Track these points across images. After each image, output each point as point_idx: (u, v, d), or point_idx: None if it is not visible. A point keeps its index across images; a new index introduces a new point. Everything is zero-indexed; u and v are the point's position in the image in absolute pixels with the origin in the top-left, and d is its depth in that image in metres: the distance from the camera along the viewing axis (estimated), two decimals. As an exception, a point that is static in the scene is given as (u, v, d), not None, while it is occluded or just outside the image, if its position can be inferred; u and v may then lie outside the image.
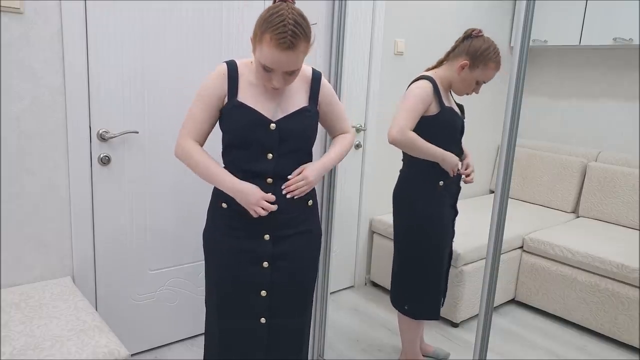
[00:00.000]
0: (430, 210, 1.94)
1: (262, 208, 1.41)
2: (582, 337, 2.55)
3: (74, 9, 1.74)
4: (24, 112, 1.71)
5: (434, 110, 1.85)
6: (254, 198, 1.40)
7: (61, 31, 1.73)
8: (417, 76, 1.91)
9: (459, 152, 1.95)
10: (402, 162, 2.01)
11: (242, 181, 1.43)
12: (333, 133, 1.65)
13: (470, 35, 1.86)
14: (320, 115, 1.56)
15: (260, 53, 1.32)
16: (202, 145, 1.50)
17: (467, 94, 1.92)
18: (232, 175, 1.44)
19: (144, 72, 1.96)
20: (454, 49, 1.89)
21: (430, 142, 1.84)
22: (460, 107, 1.99)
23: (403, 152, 1.98)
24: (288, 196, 1.45)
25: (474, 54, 1.82)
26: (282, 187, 1.45)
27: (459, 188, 2.01)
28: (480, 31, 1.85)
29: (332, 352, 2.32)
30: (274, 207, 1.43)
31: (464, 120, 1.96)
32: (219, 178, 1.44)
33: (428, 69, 1.96)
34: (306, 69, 1.52)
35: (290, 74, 1.37)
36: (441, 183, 1.91)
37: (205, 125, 1.47)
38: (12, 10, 1.63)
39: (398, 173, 2.04)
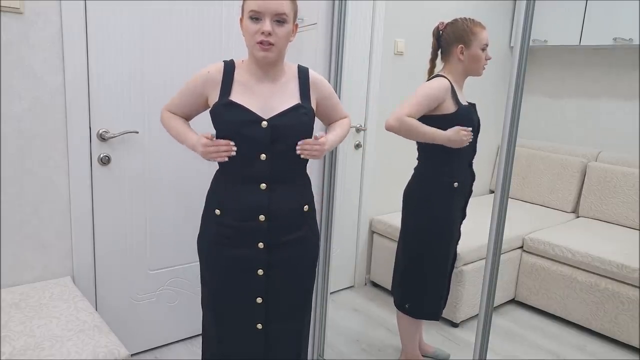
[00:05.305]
0: (443, 211, 1.93)
1: (218, 153, 1.39)
2: (582, 337, 2.55)
3: (74, 9, 1.74)
4: (24, 112, 1.71)
5: (451, 108, 1.83)
6: (199, 146, 1.41)
7: (61, 31, 1.73)
8: (432, 75, 1.91)
9: (474, 151, 1.93)
10: (417, 161, 1.98)
11: (194, 136, 1.46)
12: (330, 122, 1.64)
13: (441, 31, 1.90)
14: (318, 110, 1.54)
15: (247, 6, 1.35)
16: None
17: (484, 68, 1.90)
18: (192, 133, 1.48)
19: (144, 72, 1.96)
20: (437, 51, 1.92)
21: None
22: (473, 105, 1.96)
23: (418, 150, 1.96)
24: (302, 156, 1.42)
25: (460, 36, 1.85)
26: (298, 144, 1.41)
27: (471, 191, 2.00)
28: (442, 22, 1.91)
29: (332, 352, 2.32)
30: (228, 149, 1.38)
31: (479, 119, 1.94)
32: (182, 137, 1.49)
33: (438, 72, 1.94)
34: (291, 65, 1.50)
35: (279, 24, 1.34)
36: (456, 184, 1.89)
37: (185, 109, 1.53)
38: (12, 10, 1.63)
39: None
